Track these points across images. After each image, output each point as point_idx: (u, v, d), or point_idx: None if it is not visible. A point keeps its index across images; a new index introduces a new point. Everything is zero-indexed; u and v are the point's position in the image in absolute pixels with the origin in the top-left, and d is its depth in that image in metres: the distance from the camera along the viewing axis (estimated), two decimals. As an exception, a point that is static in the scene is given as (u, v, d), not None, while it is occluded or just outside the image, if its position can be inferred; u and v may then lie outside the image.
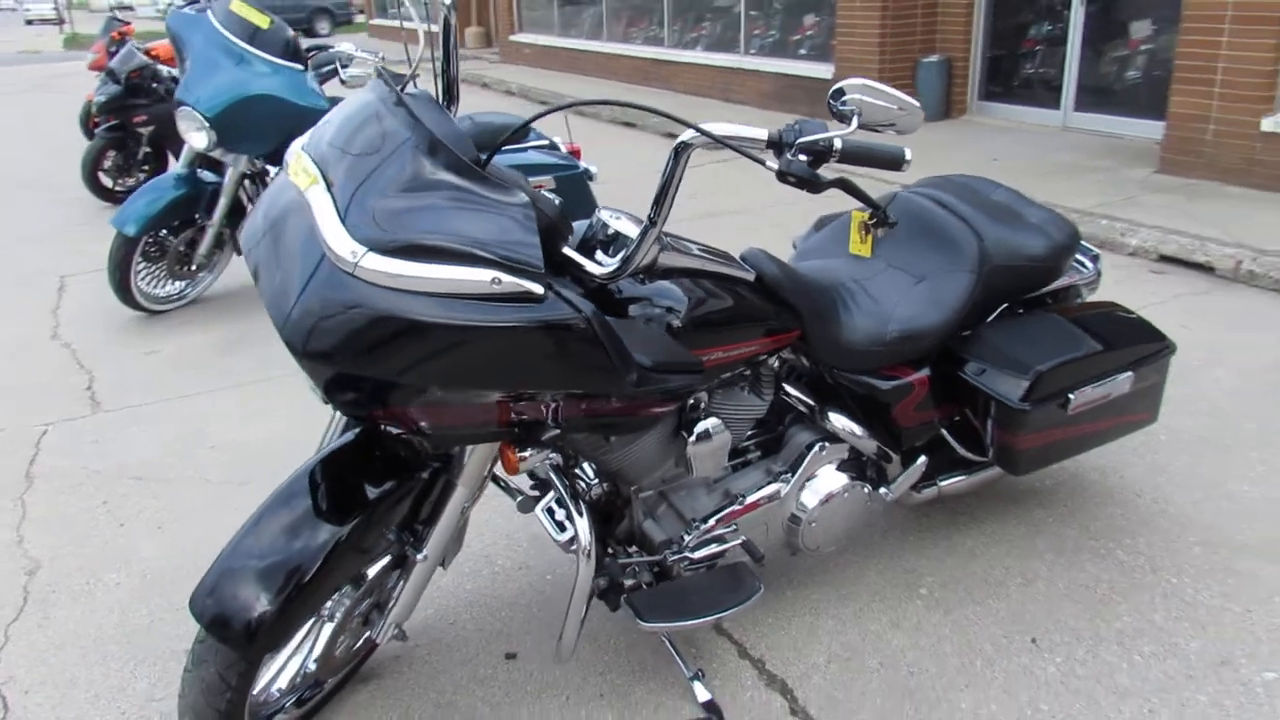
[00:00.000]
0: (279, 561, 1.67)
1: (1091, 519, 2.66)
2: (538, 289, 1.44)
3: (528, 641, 2.32)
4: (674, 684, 2.15)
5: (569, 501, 1.85)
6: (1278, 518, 2.61)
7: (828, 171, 1.62)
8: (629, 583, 2.13)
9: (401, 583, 1.93)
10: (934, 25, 8.36)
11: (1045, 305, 2.48)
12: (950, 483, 2.46)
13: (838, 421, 2.21)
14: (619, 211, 1.80)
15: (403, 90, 1.63)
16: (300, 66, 4.41)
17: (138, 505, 3.00)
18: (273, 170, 4.60)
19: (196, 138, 4.30)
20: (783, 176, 1.57)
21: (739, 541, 2.15)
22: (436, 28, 1.84)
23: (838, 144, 1.58)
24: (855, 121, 1.55)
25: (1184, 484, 2.79)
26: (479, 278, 1.41)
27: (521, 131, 4.82)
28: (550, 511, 2.20)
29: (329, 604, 1.91)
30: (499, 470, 1.86)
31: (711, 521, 2.13)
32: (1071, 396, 2.24)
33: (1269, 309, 4.09)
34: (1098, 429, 2.41)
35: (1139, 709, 2.01)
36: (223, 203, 4.59)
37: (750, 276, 1.94)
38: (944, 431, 2.43)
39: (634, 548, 2.18)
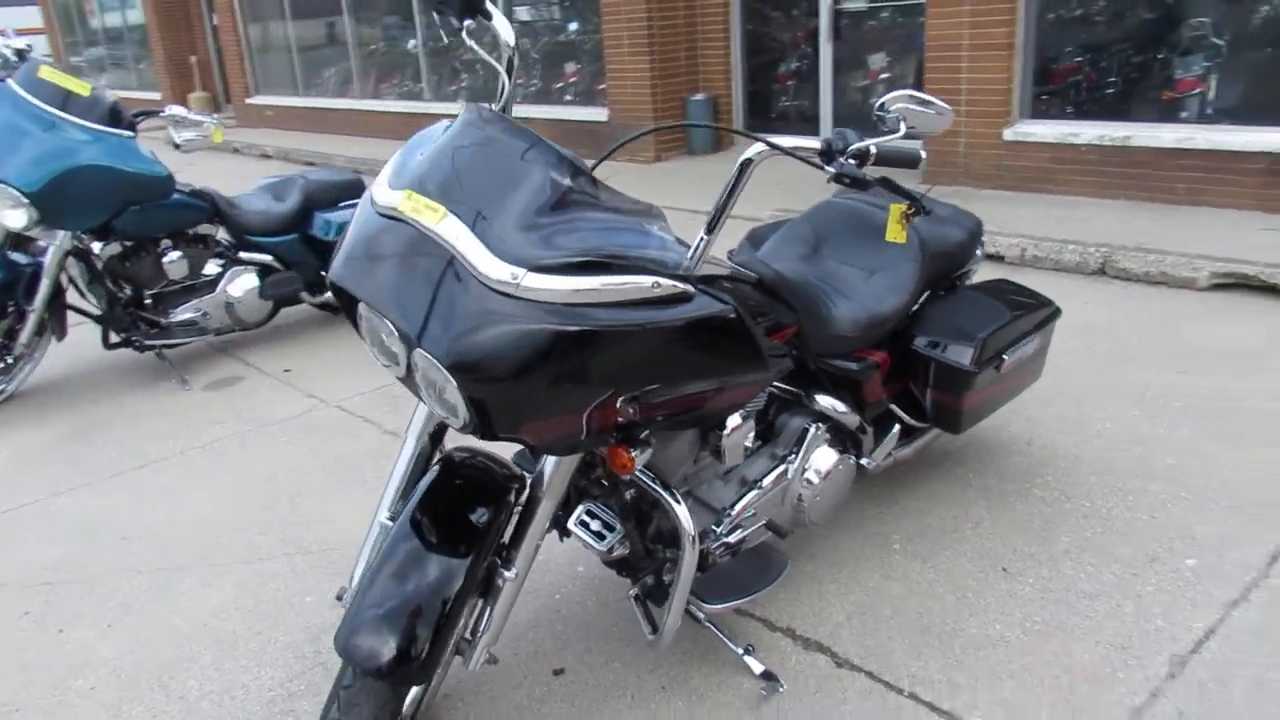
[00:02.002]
0: (416, 598, 1.71)
1: (1002, 468, 3.08)
2: (690, 289, 1.59)
3: (568, 656, 2.39)
4: (725, 663, 2.31)
5: (666, 495, 1.97)
6: (1141, 444, 3.15)
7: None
8: (668, 579, 2.28)
9: (490, 606, 1.97)
10: (696, 67, 9.01)
11: (955, 286, 2.87)
12: (902, 450, 2.79)
13: (824, 402, 2.47)
14: None
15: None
16: (129, 133, 4.17)
17: (69, 609, 2.75)
18: (97, 246, 4.30)
19: (13, 216, 3.96)
20: (839, 178, 1.82)
21: (763, 522, 2.35)
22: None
23: (873, 149, 1.85)
24: (903, 127, 1.82)
25: (1060, 430, 3.29)
26: (642, 283, 1.54)
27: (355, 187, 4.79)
28: (584, 524, 2.29)
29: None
30: None
31: (737, 508, 2.31)
32: (1005, 358, 2.64)
33: (1056, 285, 4.82)
34: (1012, 386, 2.83)
35: (1109, 605, 2.40)
36: (45, 285, 4.23)
37: (754, 278, 2.17)
38: (891, 405, 2.75)
39: (658, 545, 2.32)
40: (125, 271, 4.41)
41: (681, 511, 1.97)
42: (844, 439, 2.56)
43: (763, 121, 9.01)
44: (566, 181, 1.60)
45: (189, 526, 3.16)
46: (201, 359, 4.80)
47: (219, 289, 4.64)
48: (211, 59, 17.13)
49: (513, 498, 1.90)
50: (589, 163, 1.68)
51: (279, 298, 4.83)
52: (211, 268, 4.73)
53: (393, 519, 1.96)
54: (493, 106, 1.88)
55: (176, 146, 4.39)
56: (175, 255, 4.48)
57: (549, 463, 1.93)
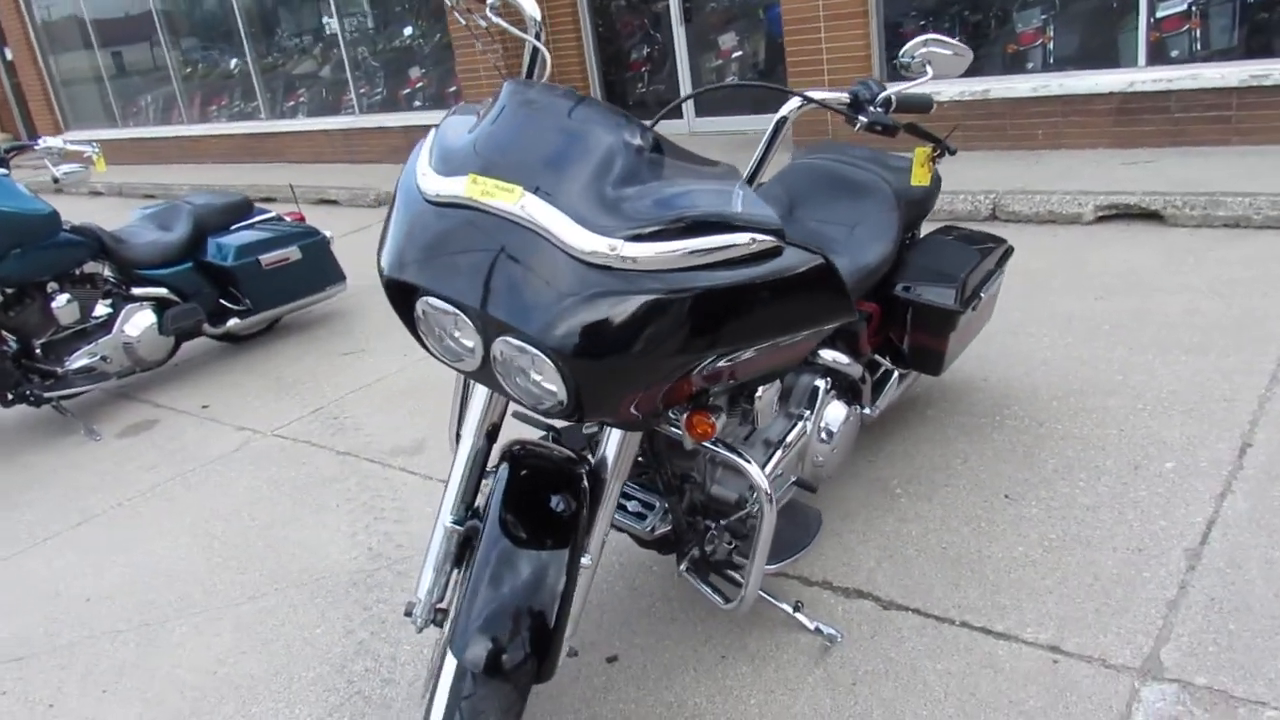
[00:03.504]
0: (524, 595, 1.67)
1: (969, 405, 3.22)
2: (781, 243, 1.60)
3: (616, 643, 2.37)
4: (775, 624, 2.34)
5: (737, 458, 1.97)
6: (1086, 366, 3.36)
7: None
8: (709, 548, 2.29)
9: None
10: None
11: (914, 236, 2.98)
12: (891, 398, 2.88)
13: (828, 356, 2.52)
14: None
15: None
16: (2, 170, 3.83)
17: (51, 683, 2.52)
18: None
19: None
20: (871, 127, 1.86)
21: (792, 480, 2.38)
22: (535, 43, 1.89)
23: (893, 96, 1.90)
24: (930, 70, 1.87)
25: (1009, 363, 3.47)
26: (739, 240, 1.54)
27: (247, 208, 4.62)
28: (620, 506, 2.27)
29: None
30: None
31: (768, 469, 2.34)
32: (981, 295, 2.76)
33: (952, 234, 5.06)
34: (979, 325, 2.96)
35: (1113, 514, 2.55)
36: (-79, 345, 3.85)
37: None
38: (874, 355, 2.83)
39: (696, 518, 2.32)
40: (11, 322, 4.05)
41: (755, 471, 1.97)
42: (846, 391, 2.62)
43: (625, 108, 9.06)
44: (637, 142, 1.58)
45: (158, 576, 2.94)
46: (103, 407, 4.46)
47: (115, 330, 4.32)
48: (9, 96, 15.88)
49: (585, 483, 1.86)
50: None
51: (180, 332, 4.54)
52: (102, 308, 4.40)
53: (458, 522, 1.88)
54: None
55: (55, 181, 4.06)
56: (64, 299, 4.14)
57: (612, 443, 1.90)
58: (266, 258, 4.69)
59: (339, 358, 4.63)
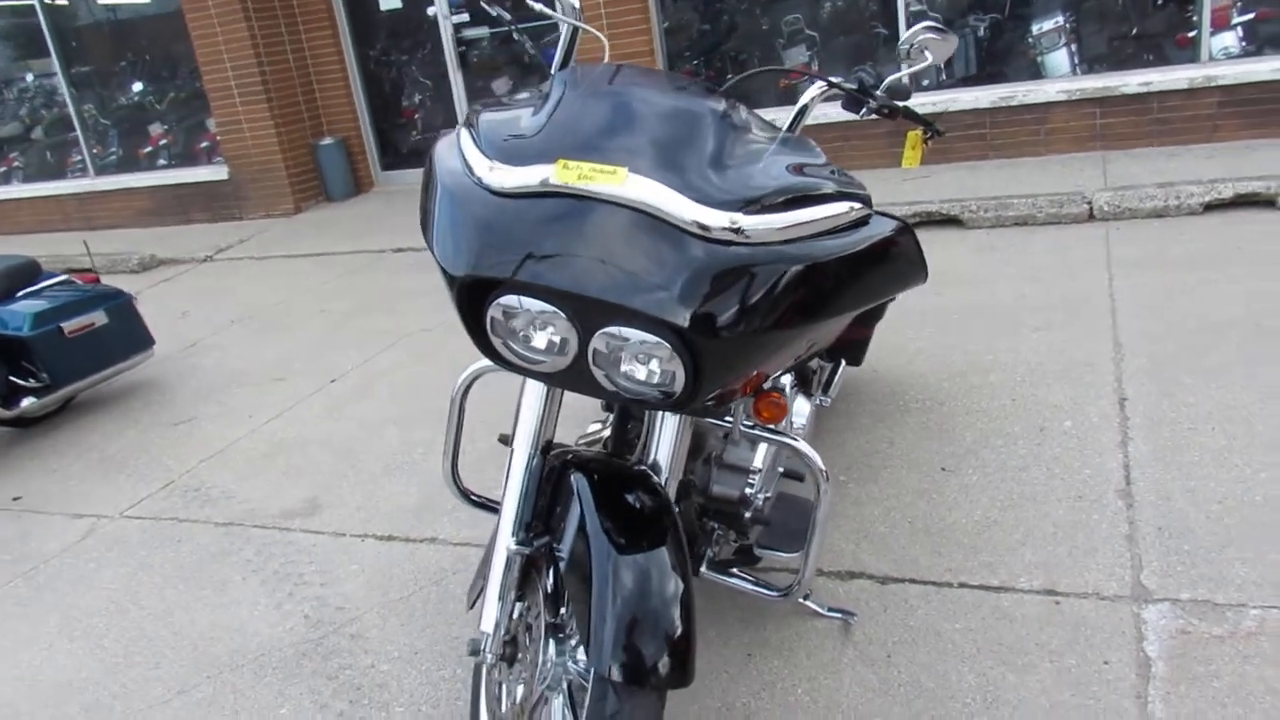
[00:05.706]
0: (651, 600, 1.58)
1: (873, 395, 3.41)
2: (870, 211, 1.63)
3: (632, 661, 2.27)
4: (784, 615, 2.35)
5: (788, 440, 1.97)
6: (956, 351, 3.65)
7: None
8: (715, 549, 2.28)
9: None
10: (318, 110, 8.59)
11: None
12: (839, 386, 2.99)
13: (789, 352, 2.59)
14: None
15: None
16: None
17: (-45, 829, 2.07)
18: None
19: None
20: (879, 110, 1.96)
21: (781, 471, 2.42)
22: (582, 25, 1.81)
23: (884, 82, 2.02)
24: (928, 56, 1.99)
25: (890, 355, 3.71)
26: (841, 210, 1.56)
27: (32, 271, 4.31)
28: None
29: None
30: None
31: (759, 464, 2.36)
32: (897, 286, 2.94)
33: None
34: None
35: (1042, 471, 2.78)
36: None
37: None
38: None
39: (704, 520, 2.29)
40: None
41: (810, 450, 1.99)
42: (803, 384, 2.70)
43: (399, 158, 8.84)
44: (723, 109, 1.58)
45: (44, 690, 2.49)
46: (-122, 515, 3.74)
47: (-116, 422, 3.66)
48: None
49: (656, 478, 1.80)
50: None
51: (-35, 418, 3.91)
52: None
53: (523, 544, 1.74)
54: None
55: None
56: None
57: (664, 443, 1.85)
58: (69, 325, 4.14)
59: (170, 428, 4.16)
